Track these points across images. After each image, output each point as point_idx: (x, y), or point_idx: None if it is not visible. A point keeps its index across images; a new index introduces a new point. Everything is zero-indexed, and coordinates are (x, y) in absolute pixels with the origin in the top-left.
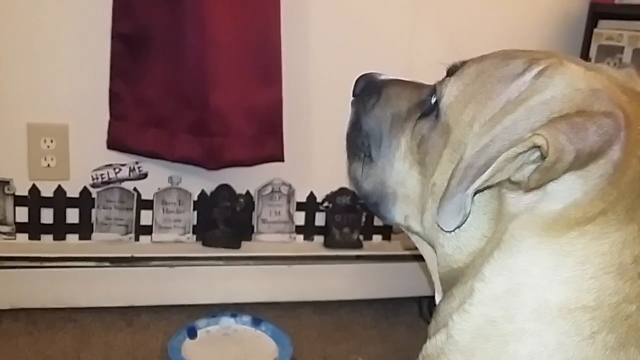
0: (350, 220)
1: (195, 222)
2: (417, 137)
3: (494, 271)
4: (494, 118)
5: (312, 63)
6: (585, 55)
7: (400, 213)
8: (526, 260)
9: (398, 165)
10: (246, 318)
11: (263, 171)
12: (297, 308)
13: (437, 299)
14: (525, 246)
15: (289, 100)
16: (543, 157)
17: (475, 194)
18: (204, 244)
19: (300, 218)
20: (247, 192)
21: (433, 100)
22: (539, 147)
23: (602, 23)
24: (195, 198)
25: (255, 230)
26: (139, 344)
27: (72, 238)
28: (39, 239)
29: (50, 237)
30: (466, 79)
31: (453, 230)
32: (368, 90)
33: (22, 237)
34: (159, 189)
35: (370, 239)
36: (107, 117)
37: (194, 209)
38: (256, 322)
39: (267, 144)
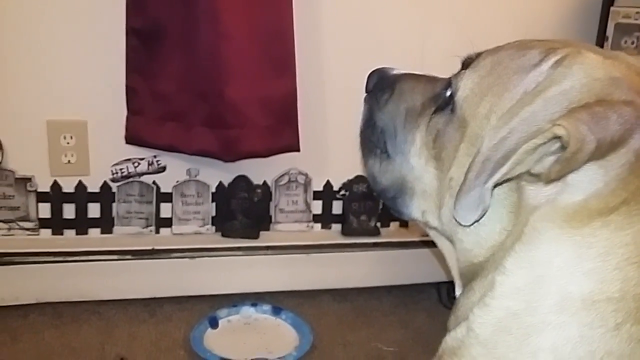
0: (367, 207)
1: (214, 214)
2: (432, 132)
3: (515, 264)
4: (512, 110)
5: (326, 52)
6: (602, 34)
7: (417, 208)
8: (548, 252)
9: (414, 161)
10: (266, 307)
11: (279, 161)
12: (317, 296)
13: (458, 293)
14: (547, 238)
15: (304, 90)
16: (564, 147)
17: (494, 187)
18: (223, 235)
19: (317, 207)
20: (264, 182)
21: (448, 93)
22: (559, 137)
23: (618, 1)
24: (214, 190)
25: (273, 220)
26: (162, 334)
27: (94, 232)
28: (62, 234)
29: (73, 231)
30: (482, 71)
31: (471, 225)
32: (381, 85)
33: (46, 233)
34: (177, 181)
35: (388, 226)
36: (125, 113)
37: (212, 201)
38: (276, 311)
39: (283, 134)
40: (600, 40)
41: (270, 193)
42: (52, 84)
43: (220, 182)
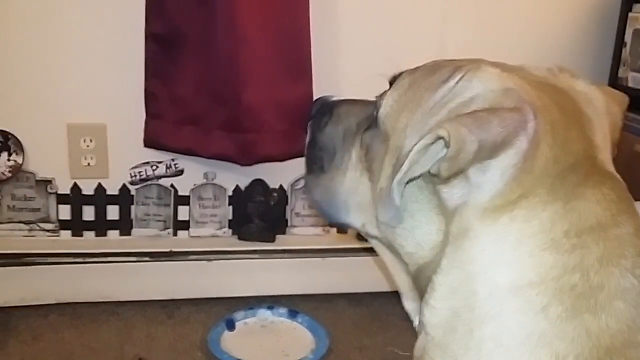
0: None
1: (230, 217)
2: (364, 147)
3: (449, 264)
4: (423, 121)
5: (342, 57)
6: (620, 41)
7: (357, 220)
8: (471, 250)
9: (350, 175)
10: (283, 310)
11: (296, 165)
12: (333, 300)
13: (405, 304)
14: (469, 237)
15: (320, 94)
16: (448, 147)
17: (407, 186)
18: (239, 238)
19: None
20: (281, 186)
21: (375, 112)
22: (442, 138)
23: (637, 7)
24: (231, 193)
25: (289, 224)
26: (180, 336)
27: (113, 234)
28: (82, 235)
29: (93, 233)
30: (400, 90)
31: (389, 223)
32: (322, 111)
33: (66, 234)
34: (195, 185)
35: None
36: (144, 117)
37: (229, 204)
38: (293, 314)
39: (299, 139)
40: (619, 47)
41: (287, 197)
42: (73, 88)
43: (237, 186)
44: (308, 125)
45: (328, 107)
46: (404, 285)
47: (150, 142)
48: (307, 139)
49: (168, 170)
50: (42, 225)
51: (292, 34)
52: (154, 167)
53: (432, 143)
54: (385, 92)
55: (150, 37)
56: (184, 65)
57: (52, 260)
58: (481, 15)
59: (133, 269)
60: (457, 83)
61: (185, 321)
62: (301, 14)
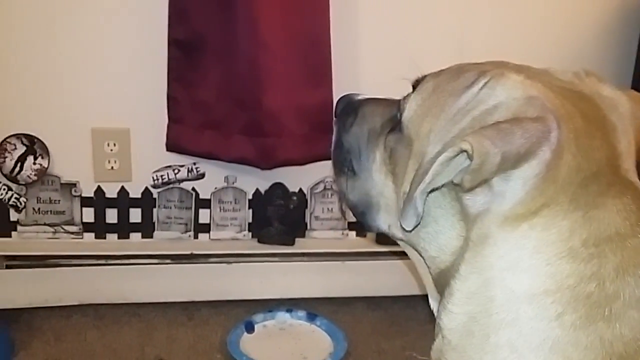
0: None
1: (250, 220)
2: (388, 150)
3: (467, 269)
4: (446, 127)
5: (362, 61)
6: None
7: (384, 222)
8: (490, 256)
9: (376, 177)
10: (301, 313)
11: (315, 169)
12: (351, 303)
13: (432, 304)
14: (488, 244)
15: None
16: (470, 160)
17: (426, 193)
18: (259, 241)
19: (352, 215)
20: (300, 190)
21: (398, 115)
22: (465, 151)
23: None
24: (250, 197)
25: (308, 227)
26: (200, 337)
27: (135, 237)
28: (105, 237)
29: (115, 236)
30: (424, 94)
31: (411, 230)
32: (347, 110)
33: (89, 237)
34: (215, 188)
35: None
36: (166, 121)
37: (249, 207)
38: (311, 317)
39: (319, 142)
40: None
41: (306, 200)
42: (97, 93)
43: (257, 189)
44: (333, 124)
45: (353, 107)
46: (429, 284)
47: (172, 146)
48: (333, 139)
49: (189, 174)
50: (66, 227)
51: (312, 39)
52: (176, 171)
53: (455, 156)
54: (409, 95)
55: (173, 42)
56: (205, 70)
57: (75, 262)
58: (500, 17)
59: (154, 271)
60: (480, 89)
61: (204, 323)
62: (321, 18)
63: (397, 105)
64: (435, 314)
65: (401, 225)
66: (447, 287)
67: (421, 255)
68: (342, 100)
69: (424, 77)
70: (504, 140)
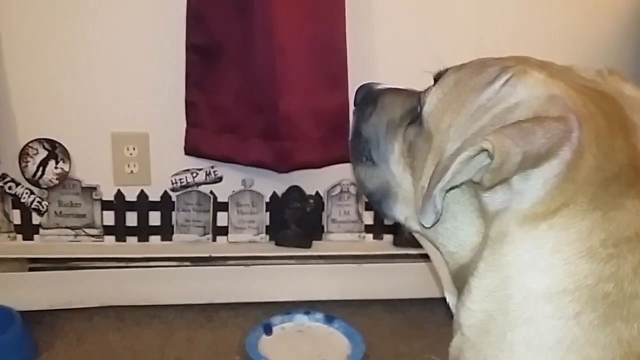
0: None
1: (267, 223)
2: (407, 142)
3: (485, 267)
4: (466, 124)
5: (377, 65)
6: None
7: (400, 213)
8: (508, 254)
9: (394, 168)
10: (319, 315)
11: (332, 172)
12: (369, 306)
13: (448, 299)
14: (506, 242)
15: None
16: (491, 159)
17: (446, 192)
18: (276, 244)
19: (369, 217)
20: (317, 192)
21: (419, 108)
22: (487, 150)
23: None
24: (267, 200)
25: (325, 229)
26: (219, 339)
27: (155, 239)
28: (125, 240)
29: (135, 238)
30: (445, 88)
31: (431, 227)
32: (366, 99)
33: (109, 239)
34: (233, 191)
35: None
36: (184, 125)
37: (266, 210)
38: (329, 320)
39: (335, 145)
40: None
41: (323, 203)
42: (116, 98)
43: (274, 192)
44: (352, 112)
45: (372, 96)
46: (446, 278)
47: (191, 149)
48: (351, 128)
49: (207, 177)
50: (87, 230)
51: (328, 43)
52: (194, 174)
53: (476, 154)
54: (430, 88)
55: (191, 47)
56: (223, 75)
57: (96, 265)
58: (520, 12)
59: (173, 273)
60: (502, 86)
61: (223, 325)
62: (337, 22)
63: (417, 97)
64: (453, 309)
65: (419, 221)
66: (465, 284)
67: (439, 250)
68: (362, 89)
69: (446, 70)
70: (525, 140)
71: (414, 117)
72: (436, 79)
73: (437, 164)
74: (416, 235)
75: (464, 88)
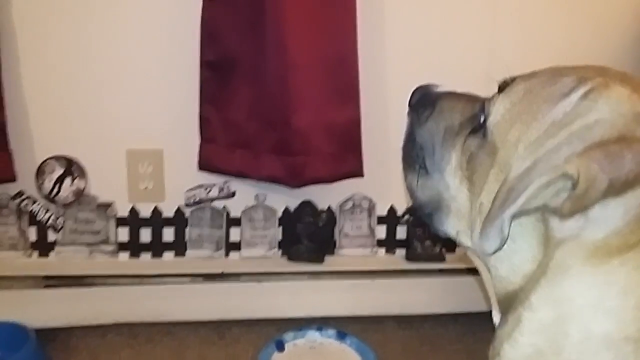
0: (431, 233)
1: (280, 238)
2: (466, 154)
3: (541, 300)
4: (538, 140)
5: (389, 80)
6: None
7: (452, 227)
8: (571, 289)
9: (449, 180)
10: (331, 331)
11: (344, 187)
12: (381, 322)
13: (495, 318)
14: (569, 275)
15: (368, 116)
16: (575, 186)
17: (514, 218)
18: (289, 259)
19: (381, 232)
20: (329, 207)
21: (482, 117)
22: (570, 175)
23: None
24: (280, 214)
25: (337, 244)
26: (231, 356)
27: (168, 255)
28: (139, 257)
29: (149, 255)
30: (513, 98)
31: (493, 253)
32: (423, 102)
33: (124, 256)
34: (246, 206)
35: (453, 251)
36: (197, 141)
37: (279, 225)
38: (341, 336)
39: (347, 160)
40: None
41: (335, 218)
42: (131, 116)
43: (287, 207)
44: (407, 114)
45: (430, 99)
46: (493, 297)
47: (204, 165)
48: (405, 132)
49: (220, 193)
50: (102, 247)
51: (339, 59)
52: (208, 190)
53: (557, 179)
54: (495, 96)
55: (205, 64)
56: (236, 91)
57: (110, 281)
58: (532, 29)
59: (186, 290)
60: (580, 99)
61: (236, 341)
62: (348, 39)
63: (479, 105)
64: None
65: (478, 243)
66: (512, 312)
67: (489, 271)
68: (419, 90)
69: (514, 78)
70: (612, 165)
71: (476, 127)
72: (502, 87)
73: (502, 182)
74: (467, 251)
75: (536, 99)
